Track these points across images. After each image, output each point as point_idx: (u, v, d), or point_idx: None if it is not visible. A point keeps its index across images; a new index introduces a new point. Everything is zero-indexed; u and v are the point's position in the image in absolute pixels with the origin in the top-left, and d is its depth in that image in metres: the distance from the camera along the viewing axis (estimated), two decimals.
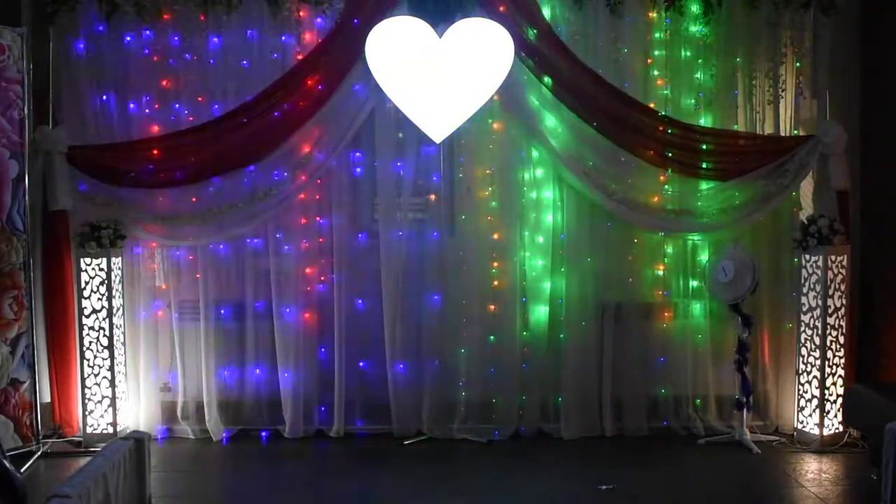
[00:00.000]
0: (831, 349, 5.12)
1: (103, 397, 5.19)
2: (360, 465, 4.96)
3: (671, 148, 5.24)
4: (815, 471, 4.78)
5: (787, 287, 5.44)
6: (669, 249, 5.51)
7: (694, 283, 5.50)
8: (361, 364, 5.45)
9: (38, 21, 5.17)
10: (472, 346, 5.43)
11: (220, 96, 5.29)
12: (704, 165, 5.29)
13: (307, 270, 5.42)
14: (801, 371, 5.24)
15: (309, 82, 5.17)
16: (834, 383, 5.13)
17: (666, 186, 5.36)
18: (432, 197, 5.43)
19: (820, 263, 5.09)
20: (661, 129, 5.22)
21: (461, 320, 5.42)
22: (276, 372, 5.40)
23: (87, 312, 5.16)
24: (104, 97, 5.25)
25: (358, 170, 5.44)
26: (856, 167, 5.41)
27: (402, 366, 5.39)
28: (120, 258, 5.25)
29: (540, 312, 5.43)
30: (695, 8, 5.28)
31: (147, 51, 5.25)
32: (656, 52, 5.35)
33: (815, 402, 5.13)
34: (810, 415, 5.17)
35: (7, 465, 2.97)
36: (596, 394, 5.45)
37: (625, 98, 5.20)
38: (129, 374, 5.36)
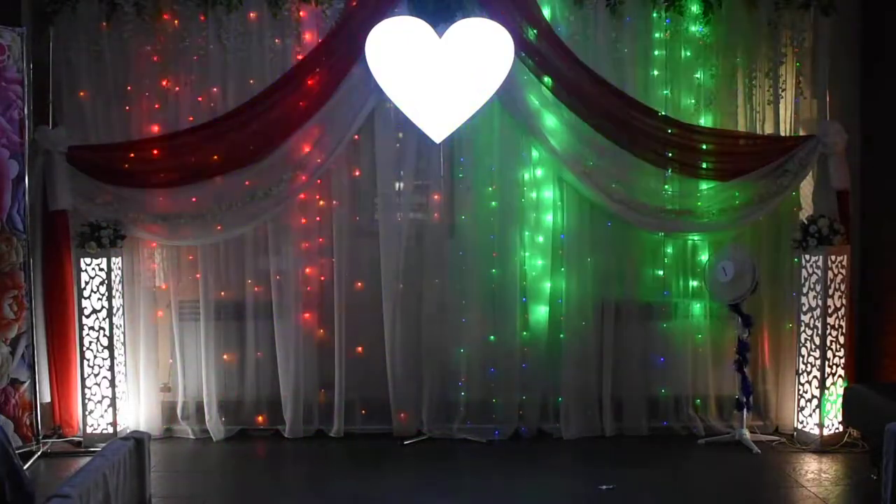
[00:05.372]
0: (831, 349, 5.12)
1: (103, 397, 5.19)
2: (360, 465, 4.96)
3: (671, 148, 5.24)
4: (815, 471, 4.78)
5: (787, 287, 5.43)
6: (669, 249, 5.51)
7: (694, 283, 5.49)
8: (361, 364, 5.44)
9: (38, 21, 5.18)
10: (472, 346, 5.43)
11: (220, 96, 5.29)
12: (704, 165, 5.29)
13: (307, 270, 5.42)
14: (801, 371, 5.24)
15: (309, 82, 5.17)
16: (834, 383, 5.13)
17: (666, 186, 5.35)
18: (432, 197, 5.42)
19: (820, 263, 5.09)
20: (661, 129, 5.22)
21: (461, 320, 5.42)
22: (276, 372, 5.40)
23: (87, 312, 5.16)
24: (104, 97, 5.26)
25: (358, 170, 5.44)
26: (856, 167, 5.40)
27: (402, 366, 5.38)
28: (120, 258, 5.25)
29: (540, 312, 5.43)
30: (695, 8, 5.27)
31: (147, 51, 5.25)
32: (656, 52, 5.35)
33: (815, 402, 5.13)
34: (810, 415, 5.17)
35: (17, 463, 2.98)
36: (596, 394, 5.45)
37: (625, 98, 5.20)
38: (129, 374, 5.35)
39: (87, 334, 5.17)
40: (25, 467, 4.62)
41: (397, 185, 5.38)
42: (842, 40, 5.37)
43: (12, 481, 2.90)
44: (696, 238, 5.48)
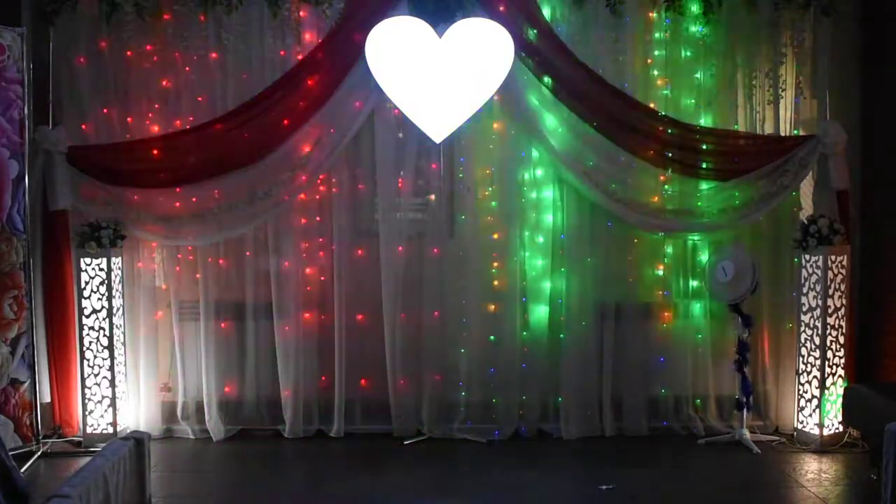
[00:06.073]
0: (831, 349, 5.12)
1: (103, 397, 5.19)
2: (360, 465, 4.95)
3: (671, 148, 5.24)
4: (815, 471, 4.78)
5: (787, 287, 5.44)
6: (669, 249, 5.51)
7: (694, 283, 5.50)
8: (361, 364, 5.44)
9: (38, 21, 5.17)
10: (472, 346, 5.43)
11: (220, 96, 5.29)
12: (704, 165, 5.29)
13: (307, 270, 5.42)
14: (801, 371, 5.24)
15: (309, 82, 5.17)
16: (834, 383, 5.13)
17: (666, 186, 5.35)
18: (432, 197, 5.43)
19: (820, 263, 5.09)
20: (661, 129, 5.22)
21: (461, 320, 5.42)
22: (276, 372, 5.40)
23: (87, 312, 5.16)
24: (104, 97, 5.26)
25: (358, 170, 5.44)
26: (856, 167, 5.40)
27: (401, 366, 5.38)
28: (120, 258, 5.25)
29: (540, 312, 5.43)
30: (695, 8, 5.27)
31: (147, 50, 5.24)
32: (656, 52, 5.35)
33: (815, 402, 5.13)
34: (810, 415, 5.17)
35: (9, 464, 2.97)
36: (596, 394, 5.45)
37: (625, 98, 5.20)
38: (129, 374, 5.35)
39: (87, 334, 5.17)
40: (25, 467, 4.65)
41: (397, 185, 5.38)
42: (842, 40, 5.37)
43: (6, 484, 2.90)
44: (695, 238, 5.48)
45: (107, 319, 5.16)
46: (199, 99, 5.30)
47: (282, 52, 5.29)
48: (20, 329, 4.93)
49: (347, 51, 5.11)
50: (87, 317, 5.17)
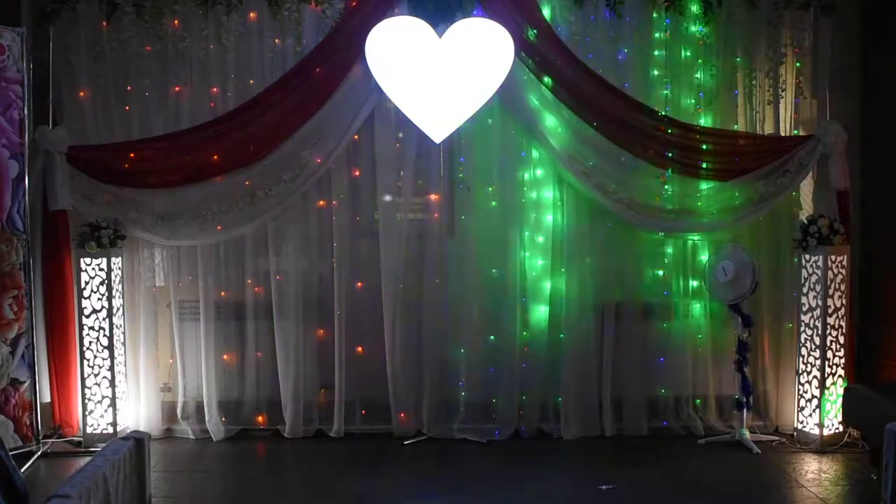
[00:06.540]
0: (831, 349, 5.12)
1: (103, 397, 5.18)
2: (360, 465, 4.96)
3: (671, 148, 5.24)
4: (815, 471, 4.78)
5: (787, 287, 5.44)
6: (669, 249, 5.51)
7: (694, 283, 5.50)
8: (361, 364, 5.44)
9: (38, 21, 5.17)
10: (472, 346, 5.43)
11: (219, 96, 5.29)
12: (704, 165, 5.29)
13: (307, 270, 5.42)
14: (801, 371, 5.24)
15: (309, 82, 5.16)
16: (834, 383, 5.13)
17: (666, 186, 5.35)
18: (432, 197, 5.43)
19: (820, 263, 5.09)
20: (661, 129, 5.22)
21: (461, 320, 5.42)
22: (275, 372, 5.40)
23: (87, 312, 5.16)
24: (104, 97, 5.26)
25: (358, 170, 5.44)
26: (856, 167, 5.40)
27: (402, 366, 5.38)
28: (120, 258, 5.25)
29: (540, 312, 5.43)
30: (695, 8, 5.28)
31: (147, 51, 5.24)
32: (656, 52, 5.35)
33: (815, 402, 5.14)
34: (810, 415, 5.17)
35: (10, 465, 2.97)
36: (596, 394, 5.45)
37: (625, 98, 5.20)
38: (129, 374, 5.36)
39: (87, 334, 5.16)
40: (25, 467, 4.65)
41: (397, 185, 5.38)
42: (842, 40, 5.37)
43: (6, 484, 2.90)
44: (696, 238, 5.48)
45: (107, 319, 5.16)
46: (200, 99, 5.30)
47: (281, 53, 5.28)
48: (20, 329, 4.93)
49: (347, 51, 5.11)
50: (87, 317, 5.17)
